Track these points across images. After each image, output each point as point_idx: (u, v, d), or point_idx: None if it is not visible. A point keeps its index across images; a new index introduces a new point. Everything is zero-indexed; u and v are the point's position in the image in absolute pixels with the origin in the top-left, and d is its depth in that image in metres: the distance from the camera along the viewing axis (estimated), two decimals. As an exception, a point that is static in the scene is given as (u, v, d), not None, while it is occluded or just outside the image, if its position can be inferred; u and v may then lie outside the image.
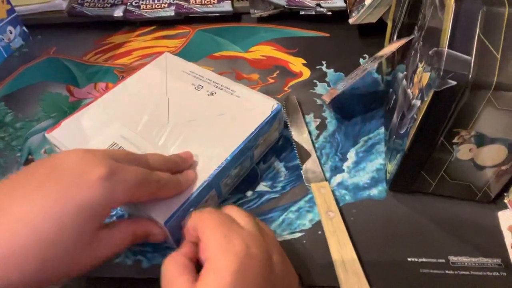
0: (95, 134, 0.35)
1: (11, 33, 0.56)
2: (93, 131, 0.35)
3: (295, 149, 0.41)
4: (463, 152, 0.31)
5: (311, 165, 0.39)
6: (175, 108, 0.37)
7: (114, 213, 0.36)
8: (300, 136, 0.42)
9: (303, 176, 0.38)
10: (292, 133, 0.42)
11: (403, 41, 0.38)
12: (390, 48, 0.39)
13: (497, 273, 0.31)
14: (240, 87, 0.39)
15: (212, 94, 0.39)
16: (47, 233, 0.22)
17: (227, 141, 0.34)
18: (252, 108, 0.37)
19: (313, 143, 0.41)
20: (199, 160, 0.33)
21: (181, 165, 0.32)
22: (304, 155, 0.40)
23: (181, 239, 0.31)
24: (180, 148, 0.34)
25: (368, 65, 0.40)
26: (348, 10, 0.54)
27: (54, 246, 0.22)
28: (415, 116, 0.30)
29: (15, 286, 0.21)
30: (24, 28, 0.58)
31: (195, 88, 0.39)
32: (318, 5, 0.57)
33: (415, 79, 0.32)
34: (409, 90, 0.34)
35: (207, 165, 0.32)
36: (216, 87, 0.39)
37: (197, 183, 0.31)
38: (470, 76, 0.25)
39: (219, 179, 0.33)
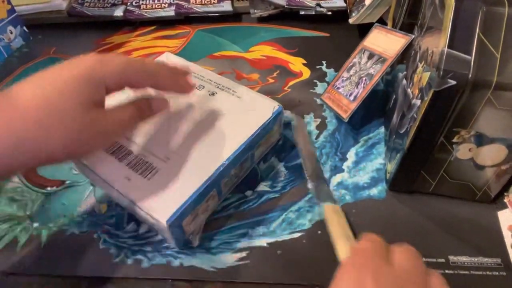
0: None
1: (11, 33, 0.56)
2: None
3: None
4: (462, 151, 0.31)
5: (323, 187, 0.37)
6: (176, 108, 0.37)
7: (114, 213, 0.36)
8: (310, 162, 0.39)
9: (314, 195, 0.37)
10: (302, 158, 0.40)
11: (403, 39, 0.38)
12: (385, 42, 0.39)
13: (497, 273, 0.31)
14: (241, 88, 0.39)
15: (213, 94, 0.39)
16: (51, 98, 0.25)
17: (228, 141, 0.34)
18: (254, 109, 0.37)
19: (321, 167, 0.39)
20: (200, 160, 0.33)
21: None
22: (314, 177, 0.38)
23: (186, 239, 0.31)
24: (180, 148, 0.34)
25: (371, 68, 0.40)
26: (348, 10, 0.54)
27: (56, 109, 0.25)
28: (415, 115, 0.30)
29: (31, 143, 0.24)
30: (25, 28, 0.58)
31: (196, 88, 0.39)
32: (318, 5, 0.57)
33: (415, 79, 0.32)
34: (409, 90, 0.34)
35: (208, 165, 0.32)
36: (217, 87, 0.39)
37: (198, 182, 0.31)
38: (470, 75, 0.25)
39: (220, 178, 0.33)
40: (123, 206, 0.35)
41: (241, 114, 0.37)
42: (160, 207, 0.29)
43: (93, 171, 0.33)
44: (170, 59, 0.43)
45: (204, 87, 0.39)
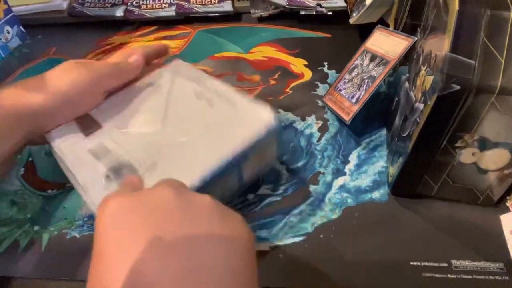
0: (93, 136, 0.35)
1: (8, 33, 0.56)
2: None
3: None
4: (466, 156, 0.31)
5: None
6: (171, 115, 0.36)
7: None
8: None
9: None
10: None
11: (406, 42, 0.38)
12: (387, 44, 0.39)
13: (500, 277, 0.31)
14: (240, 98, 0.36)
15: (211, 104, 0.36)
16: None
17: (209, 157, 0.31)
18: (247, 121, 0.34)
19: None
20: (183, 172, 0.30)
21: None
22: None
23: None
24: (170, 151, 0.33)
25: (373, 70, 0.40)
26: (349, 10, 0.53)
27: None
28: (418, 119, 0.30)
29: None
30: (21, 27, 0.58)
31: (196, 96, 0.38)
32: (319, 5, 0.57)
33: (418, 82, 0.32)
34: (411, 93, 0.34)
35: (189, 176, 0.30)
36: (218, 97, 0.37)
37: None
38: (474, 80, 0.25)
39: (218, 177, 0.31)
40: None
41: (233, 125, 0.34)
42: None
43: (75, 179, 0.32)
44: (180, 66, 0.41)
45: (204, 95, 0.37)
